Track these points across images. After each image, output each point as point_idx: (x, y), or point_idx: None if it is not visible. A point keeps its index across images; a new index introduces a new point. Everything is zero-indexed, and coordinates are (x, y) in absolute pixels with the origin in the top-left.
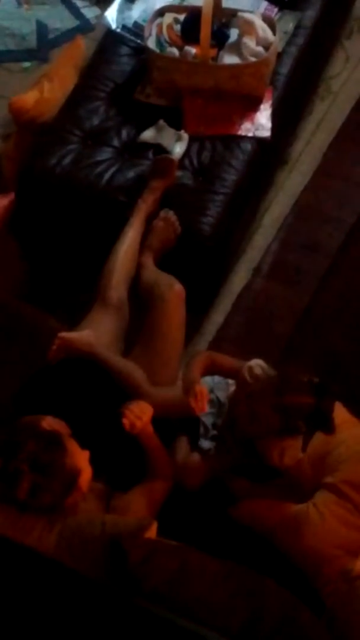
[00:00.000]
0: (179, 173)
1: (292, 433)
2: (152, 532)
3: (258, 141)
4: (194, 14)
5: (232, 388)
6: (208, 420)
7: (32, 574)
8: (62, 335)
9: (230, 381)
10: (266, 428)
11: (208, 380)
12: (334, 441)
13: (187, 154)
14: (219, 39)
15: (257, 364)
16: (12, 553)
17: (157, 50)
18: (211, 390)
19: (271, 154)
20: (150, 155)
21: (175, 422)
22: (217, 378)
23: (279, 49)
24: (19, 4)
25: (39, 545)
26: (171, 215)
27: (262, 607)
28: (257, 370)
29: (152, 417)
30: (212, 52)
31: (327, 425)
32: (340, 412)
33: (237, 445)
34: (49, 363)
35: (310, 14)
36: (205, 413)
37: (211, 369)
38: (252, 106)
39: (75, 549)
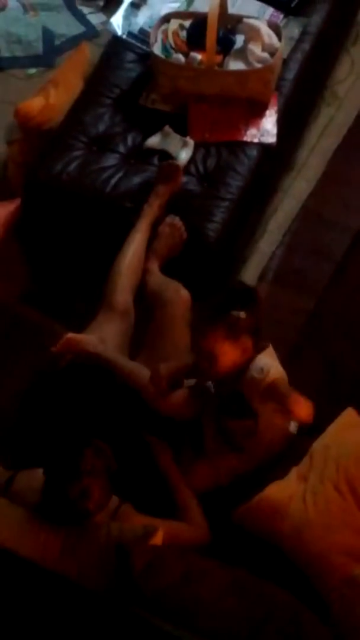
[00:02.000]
0: (184, 179)
1: (234, 323)
2: (157, 540)
3: (263, 147)
4: (200, 20)
5: None
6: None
7: (33, 584)
8: (70, 336)
9: None
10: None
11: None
12: (339, 440)
13: (192, 159)
14: (225, 45)
15: None
16: (13, 564)
17: (163, 57)
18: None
19: (276, 159)
20: (156, 161)
21: (180, 425)
22: None
23: (285, 55)
24: (25, 10)
25: (44, 550)
26: (177, 221)
27: (268, 615)
28: None
29: (158, 418)
30: (218, 58)
31: (253, 297)
32: (352, 416)
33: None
34: (55, 366)
35: (315, 20)
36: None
37: None
38: (258, 112)
39: (80, 555)
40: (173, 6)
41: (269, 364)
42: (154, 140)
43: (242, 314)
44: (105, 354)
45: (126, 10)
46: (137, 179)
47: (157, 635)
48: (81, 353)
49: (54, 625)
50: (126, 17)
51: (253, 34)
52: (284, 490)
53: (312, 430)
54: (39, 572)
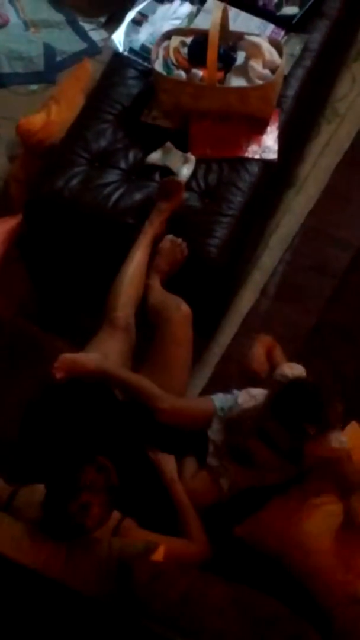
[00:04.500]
0: (185, 195)
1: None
2: (158, 555)
3: (265, 163)
4: (201, 37)
5: (241, 404)
6: (217, 437)
7: (37, 596)
8: (66, 356)
9: (240, 400)
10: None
11: (221, 397)
12: None
13: (194, 176)
14: (226, 61)
15: (299, 367)
16: (17, 575)
17: (164, 73)
18: (222, 408)
19: (278, 176)
20: (157, 177)
21: (182, 441)
22: (227, 396)
23: (286, 72)
24: (27, 26)
25: (46, 567)
26: (178, 238)
27: (270, 630)
28: (297, 371)
29: (163, 428)
30: (219, 74)
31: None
32: (355, 430)
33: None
34: (54, 383)
35: (316, 37)
36: (213, 430)
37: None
38: (259, 128)
39: (82, 571)
40: (174, 23)
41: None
42: (155, 157)
43: (341, 437)
44: (106, 369)
45: (127, 27)
46: (138, 195)
47: None
48: (80, 372)
49: (57, 633)
50: (127, 34)
51: (254, 51)
52: (286, 506)
53: None
54: (41, 580)
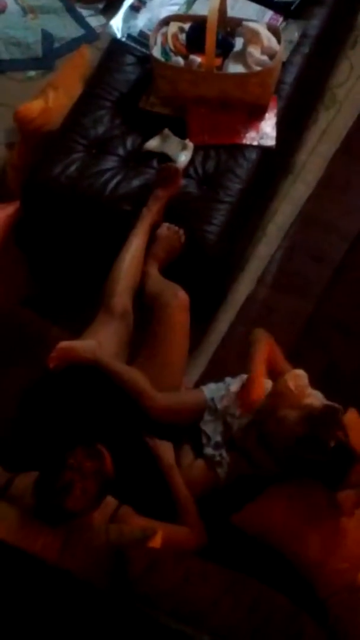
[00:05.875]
0: (183, 182)
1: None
2: (156, 542)
3: (263, 150)
4: (199, 23)
5: (231, 393)
6: (208, 428)
7: (35, 581)
8: (63, 345)
9: (232, 387)
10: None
11: (212, 387)
12: None
13: (191, 162)
14: (224, 48)
15: (303, 374)
16: (15, 560)
17: (162, 60)
18: (212, 399)
19: (276, 162)
20: (155, 164)
21: (179, 430)
22: (217, 385)
23: (284, 58)
24: (25, 13)
25: (43, 553)
26: (175, 225)
27: (268, 617)
28: (300, 381)
29: (157, 423)
30: (217, 61)
31: (334, 485)
32: (354, 417)
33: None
34: (51, 371)
35: (315, 24)
36: (205, 421)
37: (268, 363)
38: (257, 115)
39: (79, 557)
40: (172, 9)
41: None
42: (153, 143)
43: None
44: (101, 360)
45: (125, 13)
46: (136, 182)
47: (158, 631)
48: (76, 360)
49: (56, 620)
50: (126, 20)
51: (252, 37)
52: (284, 495)
53: None
54: (42, 567)
